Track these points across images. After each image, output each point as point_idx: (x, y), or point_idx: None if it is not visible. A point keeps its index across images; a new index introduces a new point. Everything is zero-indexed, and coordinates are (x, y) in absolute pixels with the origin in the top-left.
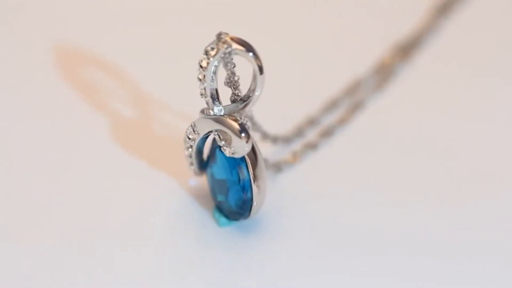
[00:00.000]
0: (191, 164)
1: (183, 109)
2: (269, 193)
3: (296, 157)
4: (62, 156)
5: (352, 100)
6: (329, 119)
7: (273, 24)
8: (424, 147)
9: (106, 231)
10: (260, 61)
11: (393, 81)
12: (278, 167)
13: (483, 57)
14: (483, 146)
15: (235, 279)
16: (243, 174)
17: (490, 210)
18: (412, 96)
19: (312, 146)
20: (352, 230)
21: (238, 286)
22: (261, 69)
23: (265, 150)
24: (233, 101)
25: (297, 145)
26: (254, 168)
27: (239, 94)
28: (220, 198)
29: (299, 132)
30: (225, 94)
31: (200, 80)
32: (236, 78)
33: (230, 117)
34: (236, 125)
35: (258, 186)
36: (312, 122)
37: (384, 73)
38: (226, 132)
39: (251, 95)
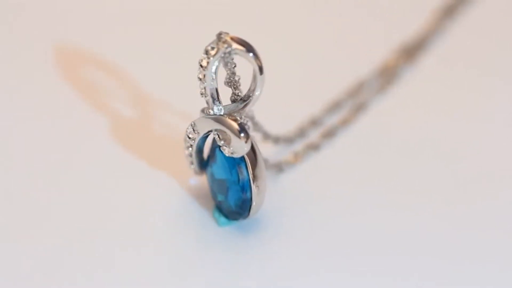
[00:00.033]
0: (191, 163)
1: (183, 109)
2: (270, 193)
3: (298, 157)
4: (62, 156)
5: (355, 101)
6: (332, 120)
7: (273, 24)
8: (427, 149)
9: (106, 231)
10: (260, 61)
11: (396, 83)
12: (279, 167)
13: (488, 59)
14: (487, 148)
15: (235, 279)
16: (243, 174)
17: (490, 210)
18: (416, 97)
19: (314, 147)
20: (352, 230)
21: (238, 286)
22: (261, 69)
23: (267, 150)
24: (233, 101)
25: (299, 146)
26: (253, 168)
27: (239, 94)
28: (220, 197)
29: (301, 133)
30: (226, 94)
31: (200, 79)
32: (236, 78)
33: (230, 117)
34: (235, 125)
35: (257, 186)
36: (314, 122)
37: (388, 75)
38: (225, 132)
39: (251, 95)
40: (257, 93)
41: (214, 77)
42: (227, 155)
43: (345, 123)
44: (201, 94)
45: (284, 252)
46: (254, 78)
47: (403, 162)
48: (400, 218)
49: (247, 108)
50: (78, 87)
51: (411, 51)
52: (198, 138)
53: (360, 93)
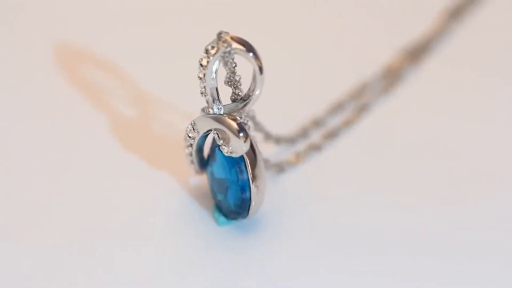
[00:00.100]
0: (192, 162)
1: (183, 109)
2: (270, 193)
3: (299, 158)
4: (62, 156)
5: (358, 102)
6: (334, 121)
7: (273, 24)
8: (430, 150)
9: (106, 231)
10: (260, 61)
11: (400, 84)
12: (280, 167)
13: (493, 61)
14: (491, 149)
15: (235, 279)
16: (242, 173)
17: (490, 210)
18: (419, 99)
19: (316, 148)
20: (352, 230)
21: (238, 286)
22: (261, 69)
23: (268, 151)
24: (233, 101)
25: (300, 146)
26: (253, 168)
27: (239, 93)
28: (220, 197)
29: (303, 133)
30: (227, 93)
31: (200, 78)
32: (237, 78)
33: (229, 116)
34: (234, 125)
35: (256, 186)
36: (317, 123)
37: (391, 76)
38: (224, 131)
39: (251, 94)
40: (256, 92)
41: (214, 76)
42: (226, 154)
43: (347, 124)
44: (201, 93)
45: (284, 252)
46: (254, 78)
47: (404, 164)
48: (400, 218)
49: (246, 108)
50: (78, 87)
51: (416, 53)
52: (198, 137)
53: (363, 94)
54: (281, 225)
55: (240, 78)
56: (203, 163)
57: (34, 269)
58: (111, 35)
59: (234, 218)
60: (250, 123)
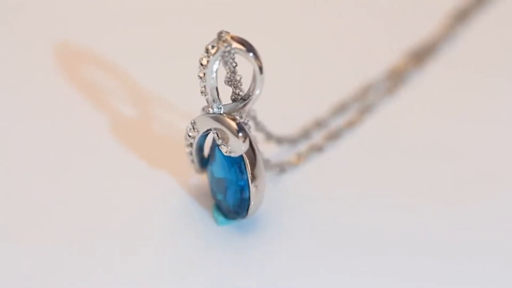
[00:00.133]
0: (192, 161)
1: (183, 108)
2: (271, 193)
3: (301, 158)
4: (62, 156)
5: (361, 103)
6: (337, 122)
7: (273, 24)
8: (432, 151)
9: (106, 231)
10: (260, 61)
11: (404, 86)
12: (281, 167)
13: (494, 62)
14: (493, 151)
15: (235, 279)
16: (242, 173)
17: (490, 210)
18: (422, 100)
19: (317, 148)
20: (352, 230)
21: (238, 286)
22: (261, 69)
23: (270, 151)
24: (233, 100)
25: (302, 147)
26: (252, 167)
27: (239, 93)
28: (219, 197)
29: (305, 134)
30: (227, 93)
31: (200, 78)
32: (238, 78)
33: (229, 116)
34: (233, 124)
35: (256, 186)
36: (319, 124)
37: (395, 78)
38: (224, 131)
39: (250, 94)
40: (256, 92)
41: (214, 76)
42: (225, 154)
43: (350, 125)
44: (201, 92)
45: (284, 252)
46: (254, 77)
47: (407, 165)
48: (400, 219)
49: (246, 108)
50: (78, 87)
51: (421, 55)
52: (197, 136)
53: (367, 95)
54: (281, 225)
55: (240, 78)
56: (204, 162)
57: (34, 269)
58: (111, 35)
59: (234, 218)
60: (251, 123)
